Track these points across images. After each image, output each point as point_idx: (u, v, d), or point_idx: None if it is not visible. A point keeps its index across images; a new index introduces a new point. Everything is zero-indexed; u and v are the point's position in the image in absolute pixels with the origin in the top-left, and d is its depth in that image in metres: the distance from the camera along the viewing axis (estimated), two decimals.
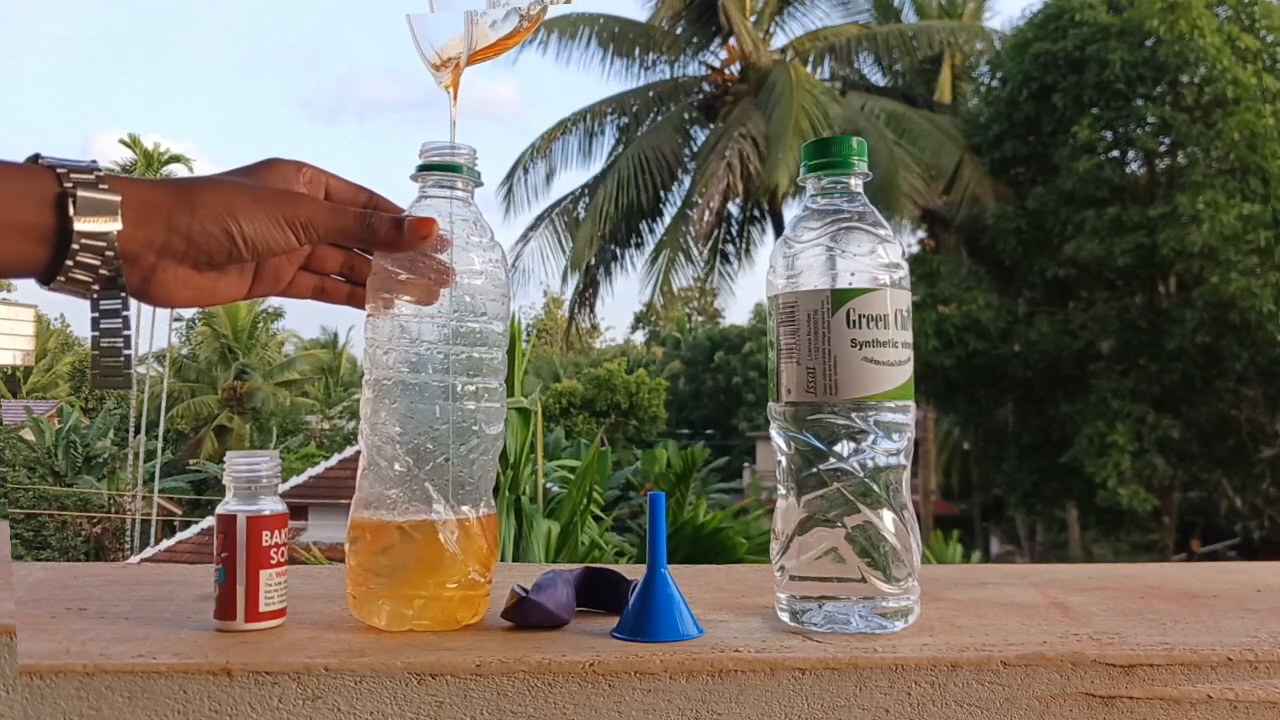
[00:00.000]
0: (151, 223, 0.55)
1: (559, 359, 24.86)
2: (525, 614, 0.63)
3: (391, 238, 0.61)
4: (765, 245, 14.09)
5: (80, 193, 0.53)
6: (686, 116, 13.94)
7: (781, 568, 0.64)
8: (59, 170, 0.53)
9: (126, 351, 0.56)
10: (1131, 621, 0.65)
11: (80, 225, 0.52)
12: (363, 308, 0.65)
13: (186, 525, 13.22)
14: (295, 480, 11.31)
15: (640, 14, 14.14)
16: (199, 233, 0.56)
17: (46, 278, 0.54)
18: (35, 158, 0.54)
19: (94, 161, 0.55)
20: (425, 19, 0.65)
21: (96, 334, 0.55)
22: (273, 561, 0.62)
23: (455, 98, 0.66)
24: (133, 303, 0.56)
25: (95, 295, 0.54)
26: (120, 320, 0.55)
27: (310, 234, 0.59)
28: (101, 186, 0.53)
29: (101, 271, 0.53)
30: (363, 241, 0.62)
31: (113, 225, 0.53)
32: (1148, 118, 11.13)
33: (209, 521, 10.58)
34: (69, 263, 0.53)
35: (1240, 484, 11.54)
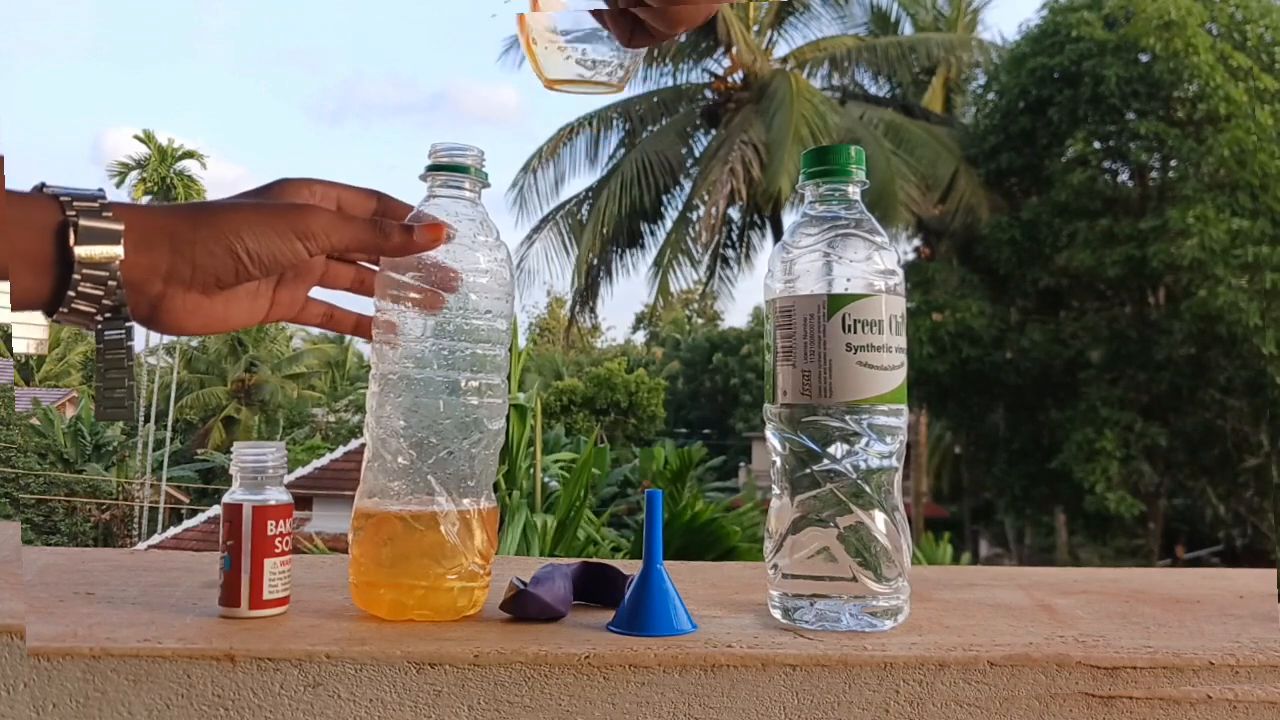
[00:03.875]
0: (155, 247, 0.54)
1: (560, 357, 24.88)
2: (523, 606, 0.64)
3: (402, 243, 0.61)
4: (764, 250, 14.09)
5: (82, 221, 0.52)
6: (690, 122, 13.95)
7: (774, 565, 0.65)
8: (62, 199, 0.52)
9: (129, 383, 0.55)
10: (1116, 624, 0.66)
11: (81, 253, 0.51)
12: (369, 339, 0.65)
13: (193, 513, 13.20)
14: (300, 471, 11.33)
15: None
16: (204, 254, 0.55)
17: (50, 309, 0.53)
18: (40, 187, 0.53)
19: (100, 190, 0.54)
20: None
21: (101, 365, 0.54)
22: (277, 550, 0.63)
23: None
24: (138, 331, 0.55)
25: (99, 326, 0.53)
26: (123, 351, 0.54)
27: (318, 243, 0.58)
28: (105, 214, 0.52)
29: (105, 301, 0.52)
30: (373, 249, 0.61)
31: (114, 252, 0.52)
32: (1141, 132, 11.20)
33: (215, 510, 10.53)
34: (71, 293, 0.52)
35: (1224, 492, 11.62)
